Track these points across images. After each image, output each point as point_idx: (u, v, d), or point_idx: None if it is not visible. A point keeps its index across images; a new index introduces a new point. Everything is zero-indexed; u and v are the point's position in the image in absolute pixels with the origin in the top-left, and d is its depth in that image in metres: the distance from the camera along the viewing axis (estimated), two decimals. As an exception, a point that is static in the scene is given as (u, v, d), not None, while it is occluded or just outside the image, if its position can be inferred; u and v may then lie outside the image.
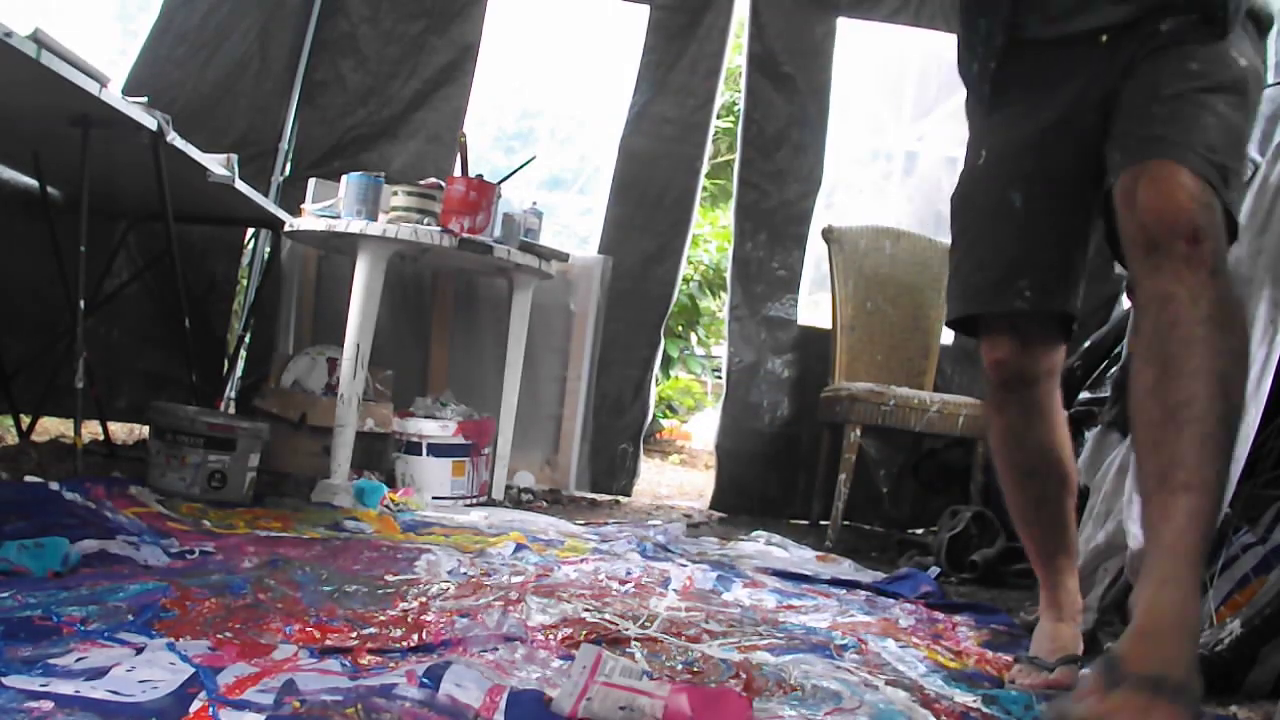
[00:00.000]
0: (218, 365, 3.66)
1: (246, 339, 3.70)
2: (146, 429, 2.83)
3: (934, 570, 2.60)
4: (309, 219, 2.97)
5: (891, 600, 2.15)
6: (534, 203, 3.41)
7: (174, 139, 2.38)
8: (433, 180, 3.08)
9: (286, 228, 3.13)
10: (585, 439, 3.69)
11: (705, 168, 3.88)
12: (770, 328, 3.78)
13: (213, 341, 3.64)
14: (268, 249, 3.72)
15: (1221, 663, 1.54)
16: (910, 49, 4.17)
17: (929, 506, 3.55)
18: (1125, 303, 2.59)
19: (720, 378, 4.61)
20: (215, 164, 2.64)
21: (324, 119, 3.74)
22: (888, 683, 1.39)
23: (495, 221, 2.99)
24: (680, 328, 6.05)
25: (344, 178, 2.94)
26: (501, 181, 3.10)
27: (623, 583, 1.95)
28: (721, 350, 4.70)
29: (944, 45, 4.06)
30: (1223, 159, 1.26)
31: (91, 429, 3.08)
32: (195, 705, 0.99)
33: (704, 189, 4.07)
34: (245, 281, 3.91)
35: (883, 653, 1.59)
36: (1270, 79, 3.04)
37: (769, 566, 2.41)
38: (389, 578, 1.76)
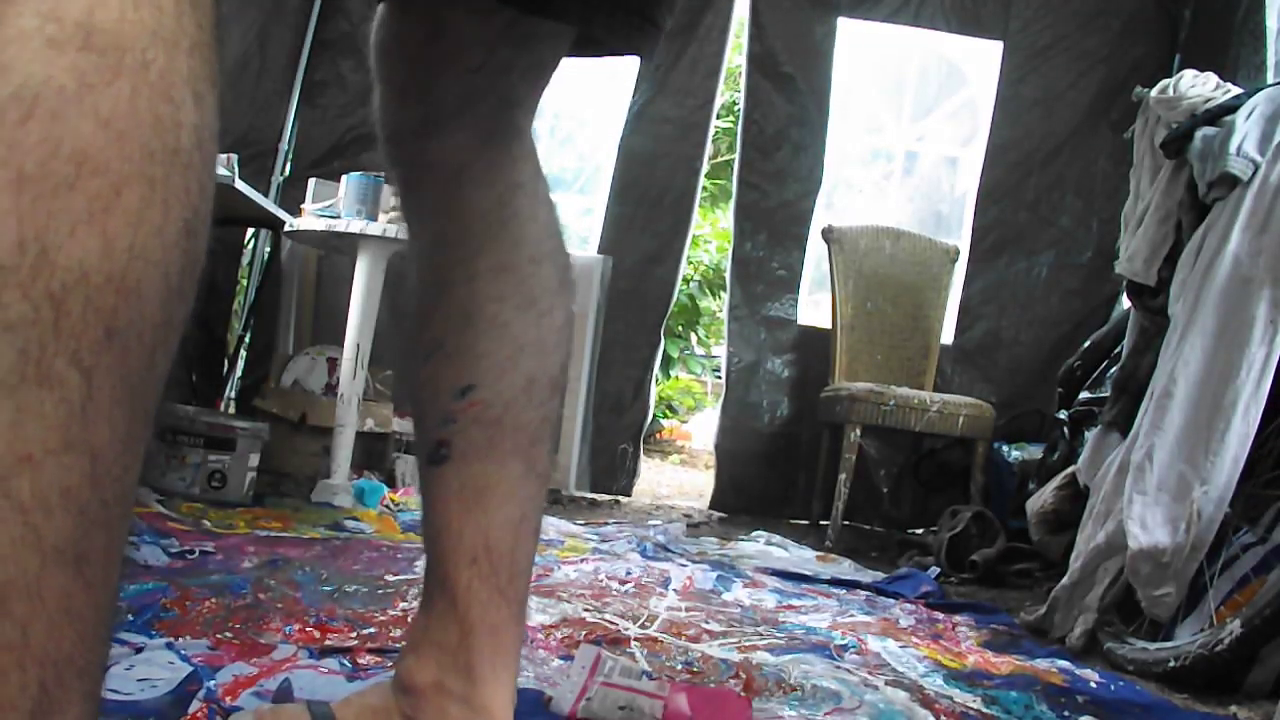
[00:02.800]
0: (218, 365, 3.66)
1: (246, 339, 3.70)
2: (146, 429, 2.83)
3: (934, 570, 2.60)
4: (309, 219, 2.97)
5: (891, 600, 2.15)
6: (534, 203, 3.40)
7: (174, 139, 2.38)
8: (433, 180, 3.08)
9: (286, 228, 3.13)
10: (585, 439, 3.69)
11: (705, 168, 3.88)
12: (770, 328, 3.78)
13: (213, 341, 3.63)
14: (268, 249, 3.72)
15: (1221, 663, 1.54)
16: (910, 49, 4.16)
17: (929, 506, 3.55)
18: (1125, 303, 2.60)
19: (720, 378, 4.61)
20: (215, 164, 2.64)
21: (324, 119, 3.74)
22: (888, 683, 1.39)
23: (495, 221, 2.98)
24: (680, 328, 6.05)
25: (344, 178, 2.94)
26: (501, 181, 3.09)
27: (623, 583, 1.95)
28: (721, 350, 4.70)
29: (944, 45, 4.07)
30: None
31: (91, 429, 3.08)
32: (194, 705, 0.99)
33: (704, 189, 4.07)
34: (245, 281, 3.91)
35: (883, 653, 1.59)
36: (1270, 79, 3.05)
37: (769, 566, 2.41)
38: (389, 578, 1.76)
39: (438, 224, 0.83)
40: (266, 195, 3.44)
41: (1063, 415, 2.87)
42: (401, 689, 0.82)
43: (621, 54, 0.88)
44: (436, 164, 0.81)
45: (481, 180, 0.81)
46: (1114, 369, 2.51)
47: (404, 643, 0.87)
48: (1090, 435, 2.41)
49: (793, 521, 3.56)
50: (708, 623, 1.67)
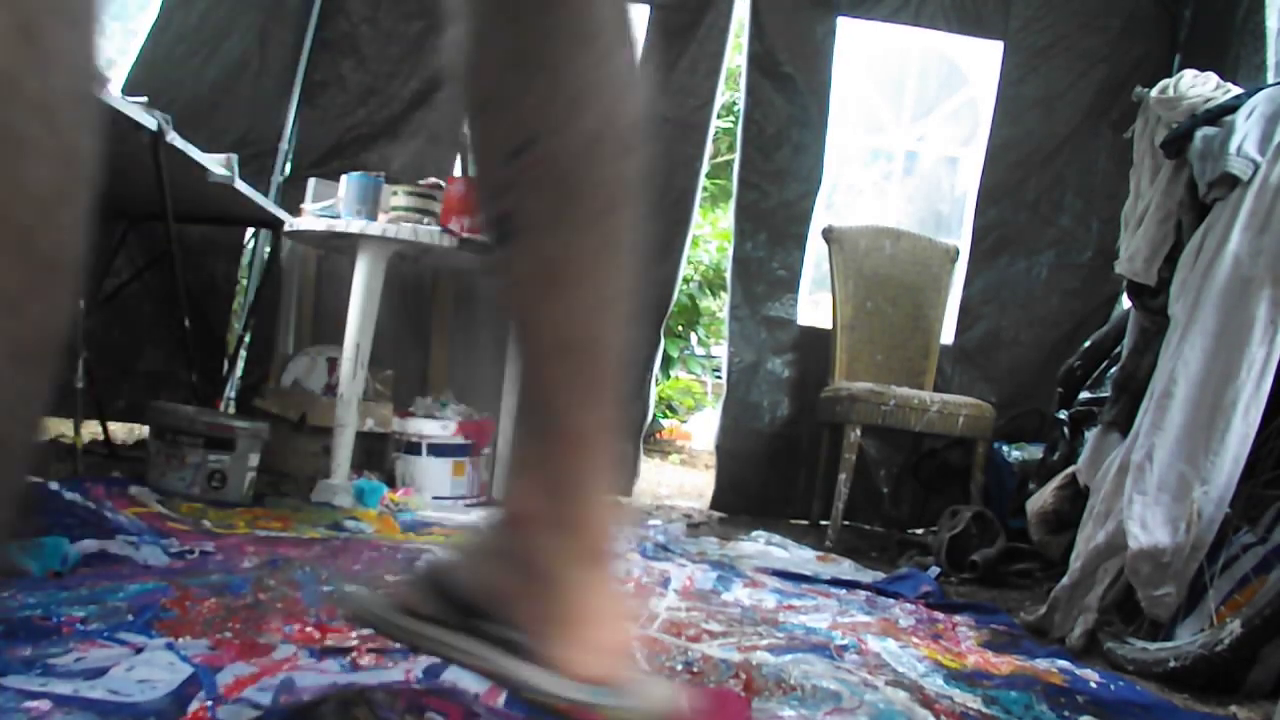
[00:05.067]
0: (218, 365, 3.66)
1: (246, 339, 3.70)
2: (146, 429, 2.83)
3: (934, 570, 2.60)
4: (309, 219, 2.97)
5: (891, 600, 2.15)
6: (534, 203, 3.41)
7: (174, 139, 2.38)
8: (433, 180, 3.08)
9: (286, 228, 3.13)
10: (585, 439, 3.68)
11: (705, 168, 3.88)
12: (770, 328, 3.78)
13: (213, 341, 3.64)
14: (268, 249, 3.72)
15: (1221, 663, 1.54)
16: (910, 49, 4.16)
17: (929, 506, 3.55)
18: (1125, 303, 2.60)
19: (720, 378, 4.60)
20: (215, 164, 2.64)
21: (324, 119, 3.74)
22: (888, 683, 1.39)
23: (495, 221, 2.98)
24: (680, 328, 6.05)
25: (344, 178, 2.94)
26: (501, 181, 3.09)
27: (623, 583, 1.95)
28: (721, 350, 4.69)
29: (944, 45, 4.07)
30: None
31: (91, 429, 3.08)
32: (194, 705, 0.99)
33: (704, 189, 4.07)
34: (245, 281, 3.92)
35: (883, 653, 1.59)
36: (1270, 79, 3.05)
37: (769, 566, 2.41)
38: (389, 578, 1.76)
39: None
40: (266, 195, 3.44)
41: (1063, 415, 2.87)
42: (501, 525, 0.75)
43: None
44: None
45: None
46: (1114, 369, 2.51)
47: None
48: (1090, 435, 2.40)
49: (793, 521, 3.56)
50: (708, 623, 1.67)
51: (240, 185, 2.75)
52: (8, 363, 0.27)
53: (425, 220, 2.87)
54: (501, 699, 1.10)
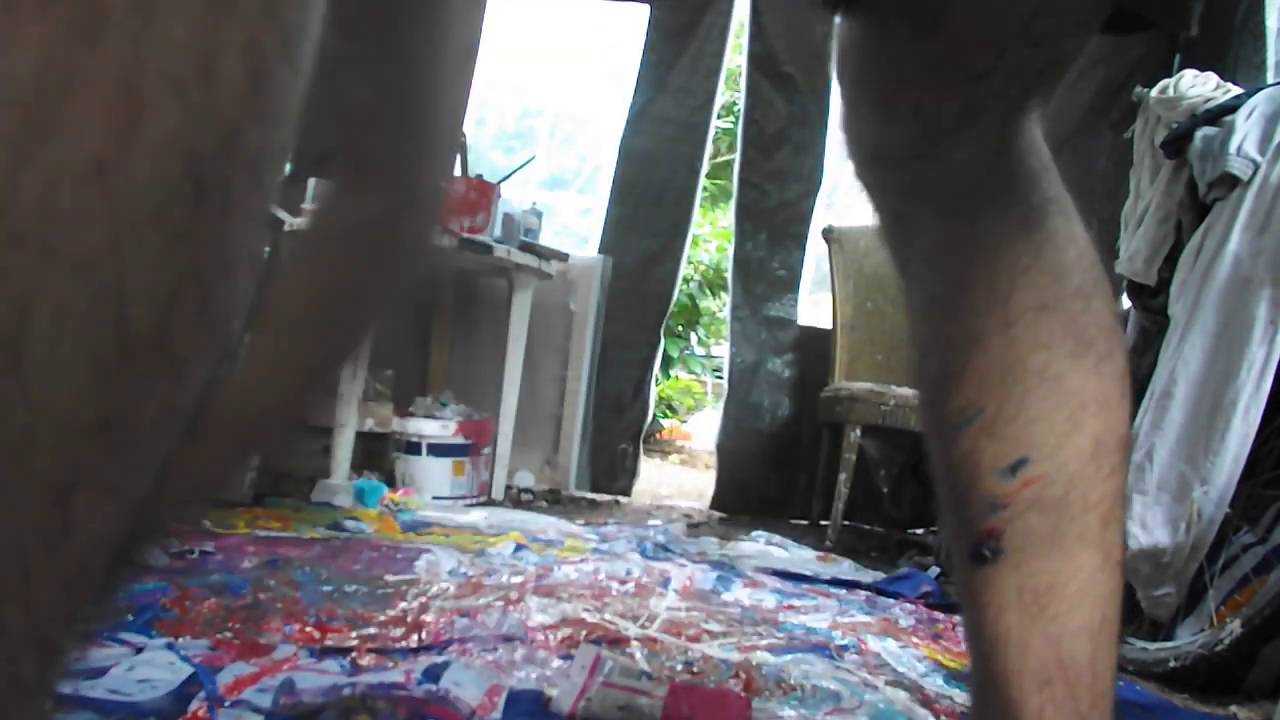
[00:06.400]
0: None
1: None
2: (146, 429, 2.83)
3: (934, 570, 2.60)
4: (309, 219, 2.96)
5: (891, 600, 2.15)
6: (534, 203, 3.41)
7: (174, 139, 2.38)
8: (433, 180, 3.08)
9: (286, 228, 3.13)
10: (585, 439, 3.69)
11: (705, 168, 3.88)
12: (770, 328, 3.78)
13: (213, 341, 3.63)
14: (267, 249, 3.72)
15: (1221, 663, 1.54)
16: (910, 49, 4.16)
17: (929, 506, 3.55)
18: (1125, 303, 2.60)
19: (720, 378, 4.61)
20: (215, 164, 2.64)
21: (324, 119, 3.73)
22: (888, 683, 1.39)
23: (495, 221, 2.99)
24: (680, 328, 6.05)
25: (344, 178, 2.94)
26: (501, 181, 3.10)
27: (623, 583, 1.95)
28: (721, 350, 4.69)
29: (944, 45, 4.06)
30: None
31: (91, 429, 3.08)
32: (194, 705, 0.99)
33: (704, 189, 4.07)
34: (245, 281, 3.91)
35: (883, 653, 1.59)
36: (1270, 79, 3.05)
37: (769, 566, 2.41)
38: (389, 578, 1.76)
39: (949, 264, 0.69)
40: (266, 195, 3.43)
41: (1063, 415, 2.87)
42: None
43: (1158, 29, 0.70)
44: (934, 191, 0.68)
45: (997, 203, 0.68)
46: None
47: None
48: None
49: (793, 521, 3.56)
50: (708, 623, 1.67)
51: (240, 185, 2.75)
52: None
53: (425, 220, 2.87)
54: (500, 704, 1.11)
